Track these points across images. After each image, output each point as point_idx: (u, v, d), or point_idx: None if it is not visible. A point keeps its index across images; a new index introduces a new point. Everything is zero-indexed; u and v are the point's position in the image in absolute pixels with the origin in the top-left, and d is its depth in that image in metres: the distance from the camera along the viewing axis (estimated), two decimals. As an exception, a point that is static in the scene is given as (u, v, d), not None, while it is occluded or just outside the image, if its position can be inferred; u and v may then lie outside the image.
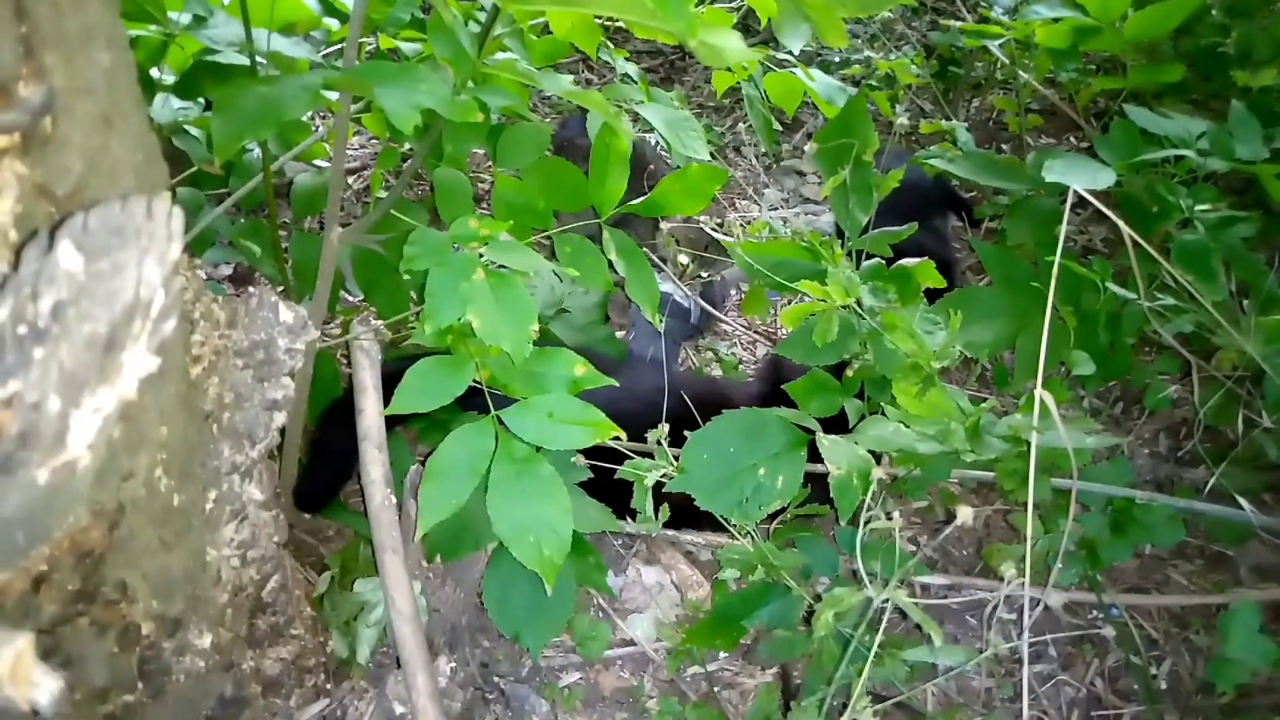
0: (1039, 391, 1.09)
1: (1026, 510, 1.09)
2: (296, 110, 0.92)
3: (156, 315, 0.50)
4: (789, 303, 1.95)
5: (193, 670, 0.88)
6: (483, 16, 1.31)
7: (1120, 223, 1.24)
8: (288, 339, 0.90)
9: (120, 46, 0.63)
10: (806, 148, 2.70)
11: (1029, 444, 1.12)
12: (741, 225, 2.37)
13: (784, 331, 2.05)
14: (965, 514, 0.89)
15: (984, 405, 1.23)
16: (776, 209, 2.51)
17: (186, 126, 1.71)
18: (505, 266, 1.14)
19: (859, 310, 1.29)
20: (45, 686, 0.49)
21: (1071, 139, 2.56)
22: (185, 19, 1.42)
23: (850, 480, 1.18)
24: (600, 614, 1.49)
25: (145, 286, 0.49)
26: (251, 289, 0.90)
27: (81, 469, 0.49)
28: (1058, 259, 1.21)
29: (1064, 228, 1.27)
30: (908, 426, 1.26)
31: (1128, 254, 1.37)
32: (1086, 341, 1.49)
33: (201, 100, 1.71)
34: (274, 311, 0.90)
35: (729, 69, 1.86)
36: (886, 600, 0.93)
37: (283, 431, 0.98)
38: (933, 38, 2.72)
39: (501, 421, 1.15)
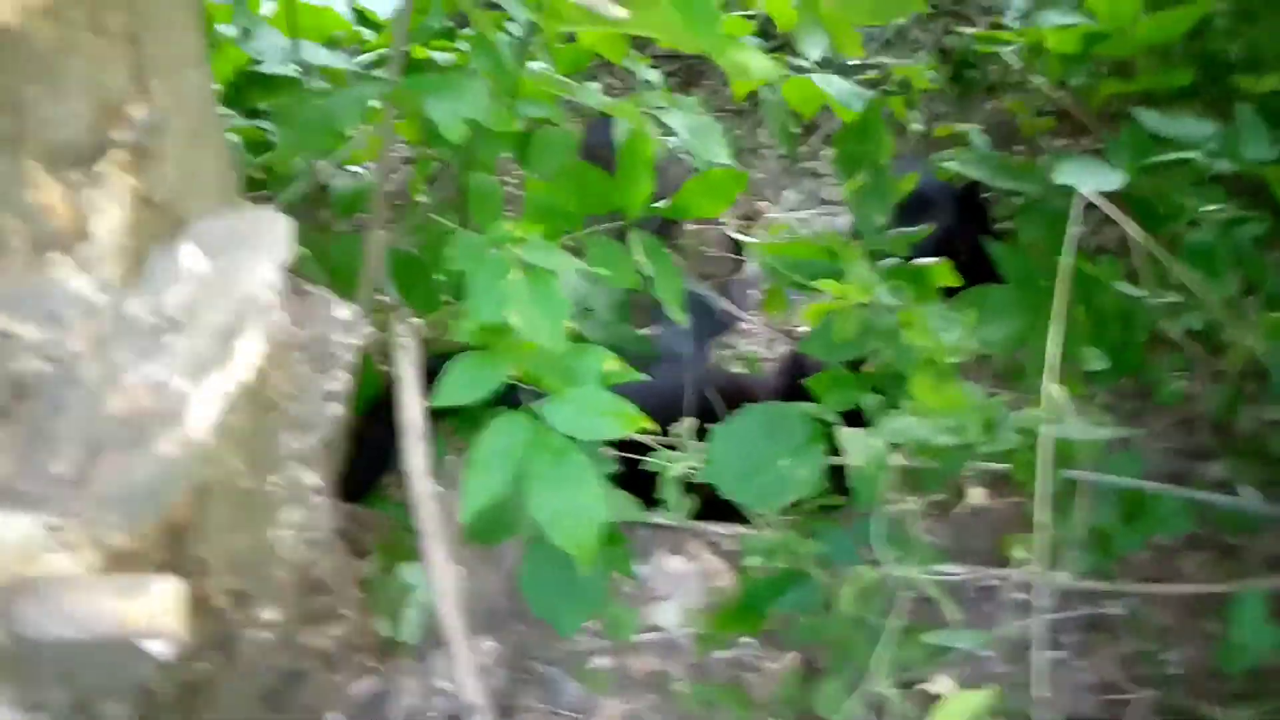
0: (1047, 385, 1.14)
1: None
2: (350, 121, 0.99)
3: (266, 307, 0.56)
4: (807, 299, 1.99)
5: (259, 643, 0.95)
6: (509, 25, 1.36)
7: (1127, 223, 1.28)
8: (341, 334, 0.96)
9: (205, 66, 0.70)
10: (823, 153, 2.74)
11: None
12: (762, 226, 2.42)
13: (801, 329, 2.09)
14: (976, 494, 0.94)
15: (998, 399, 1.28)
16: (795, 210, 2.56)
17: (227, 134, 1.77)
18: (539, 266, 1.20)
19: (878, 307, 1.33)
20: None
21: (1084, 141, 2.59)
22: (232, 32, 1.49)
23: (869, 472, 1.24)
24: (629, 602, 1.54)
25: (261, 283, 0.55)
26: (309, 288, 0.97)
27: (198, 445, 0.55)
28: (1066, 258, 1.25)
29: (1076, 229, 1.31)
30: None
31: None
32: (1099, 339, 1.52)
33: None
34: (328, 308, 0.97)
35: (750, 76, 1.91)
36: (904, 580, 0.98)
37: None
38: (947, 42, 2.76)
39: (537, 413, 1.21)
